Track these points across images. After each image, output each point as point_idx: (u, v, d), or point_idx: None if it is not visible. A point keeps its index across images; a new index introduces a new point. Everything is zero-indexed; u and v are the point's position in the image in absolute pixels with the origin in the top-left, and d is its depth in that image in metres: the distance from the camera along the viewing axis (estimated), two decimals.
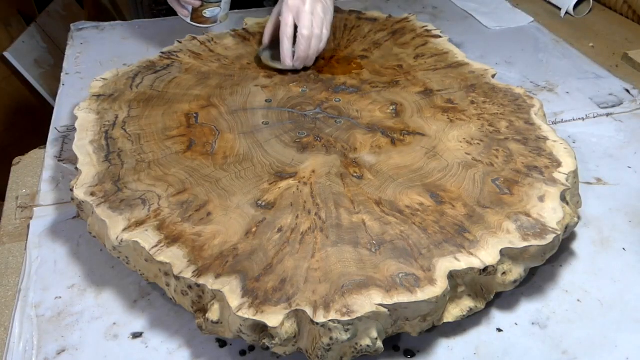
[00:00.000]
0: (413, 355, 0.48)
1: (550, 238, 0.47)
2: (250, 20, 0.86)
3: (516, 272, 0.48)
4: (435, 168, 0.56)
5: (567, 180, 0.53)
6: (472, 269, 0.45)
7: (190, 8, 0.79)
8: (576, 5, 1.03)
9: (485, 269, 0.46)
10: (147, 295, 0.53)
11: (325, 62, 0.75)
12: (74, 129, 0.60)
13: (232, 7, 1.05)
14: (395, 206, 0.51)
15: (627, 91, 0.84)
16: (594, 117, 0.78)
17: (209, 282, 0.43)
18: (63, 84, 0.85)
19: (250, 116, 0.64)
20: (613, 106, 0.80)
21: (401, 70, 0.73)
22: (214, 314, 0.44)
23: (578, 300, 0.52)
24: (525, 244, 0.47)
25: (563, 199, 0.52)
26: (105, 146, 0.58)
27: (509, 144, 0.59)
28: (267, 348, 0.43)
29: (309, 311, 0.41)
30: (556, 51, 0.95)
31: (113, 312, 0.51)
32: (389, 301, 0.42)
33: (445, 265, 0.45)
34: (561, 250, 0.54)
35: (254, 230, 0.49)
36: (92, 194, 0.51)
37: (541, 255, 0.49)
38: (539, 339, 0.49)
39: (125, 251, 0.49)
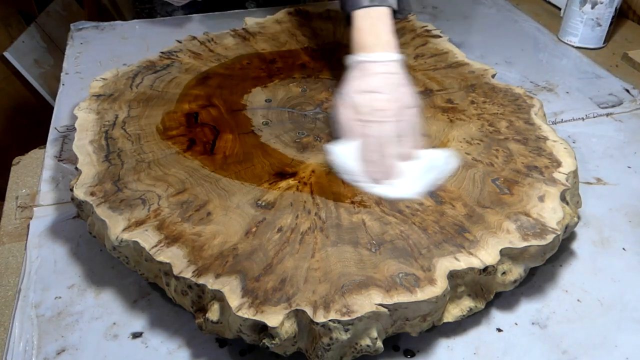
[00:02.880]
0: (413, 355, 0.48)
1: (550, 238, 0.47)
2: (250, 20, 0.86)
3: (516, 272, 0.48)
4: None
5: (567, 180, 0.53)
6: (472, 268, 0.45)
7: None
8: None
9: (485, 269, 0.46)
10: (147, 295, 0.53)
11: (325, 62, 0.75)
12: (74, 129, 0.60)
13: (232, 7, 1.06)
14: (395, 206, 0.51)
15: (627, 91, 0.84)
16: (594, 117, 0.78)
17: (209, 282, 0.43)
18: (63, 84, 0.85)
19: (250, 116, 0.64)
20: (613, 106, 0.81)
21: None
22: (213, 313, 0.44)
23: (578, 300, 0.52)
24: (525, 243, 0.47)
25: (563, 198, 0.52)
26: (105, 146, 0.58)
27: (508, 143, 0.59)
28: (267, 348, 0.43)
29: (308, 311, 0.41)
30: (556, 51, 0.95)
31: (113, 312, 0.51)
32: (388, 301, 0.42)
33: (445, 265, 0.45)
34: (561, 250, 0.54)
35: (253, 230, 0.49)
36: (92, 194, 0.51)
37: (541, 255, 0.49)
38: (538, 339, 0.49)
39: (125, 251, 0.49)
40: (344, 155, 0.54)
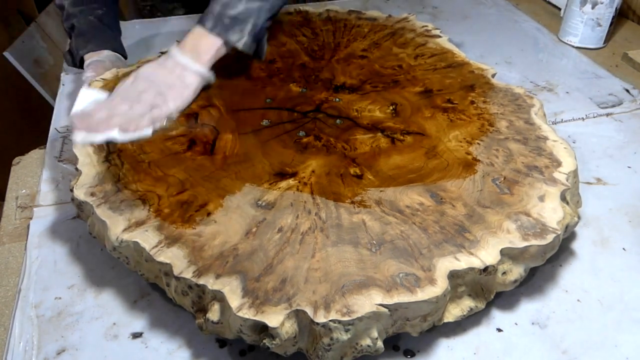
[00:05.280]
0: (413, 355, 0.48)
1: (550, 238, 0.47)
2: None
3: (516, 271, 0.48)
4: (435, 168, 0.56)
5: (567, 180, 0.53)
6: (472, 268, 0.45)
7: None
8: None
9: (485, 269, 0.46)
10: (147, 295, 0.53)
11: (325, 62, 0.75)
12: None
13: None
14: (395, 206, 0.51)
15: (627, 91, 0.84)
16: (594, 117, 0.78)
17: (209, 283, 0.43)
18: (63, 84, 0.85)
19: (250, 116, 0.64)
20: (613, 106, 0.81)
21: (401, 70, 0.73)
22: (214, 314, 0.44)
23: (578, 300, 0.52)
24: (526, 243, 0.47)
25: (563, 198, 0.52)
26: (105, 146, 0.58)
27: (509, 143, 0.59)
28: (268, 348, 0.43)
29: (309, 311, 0.41)
30: (556, 51, 0.95)
31: (113, 312, 0.51)
32: (389, 301, 0.42)
33: (445, 265, 0.45)
34: (561, 250, 0.54)
35: (254, 230, 0.49)
36: (92, 194, 0.51)
37: (541, 255, 0.49)
38: (539, 339, 0.49)
39: (125, 251, 0.49)
40: (88, 96, 0.60)
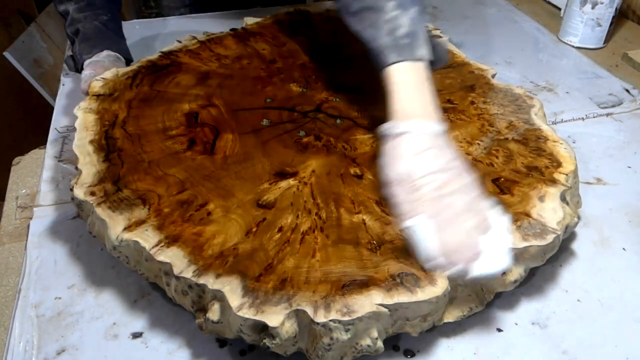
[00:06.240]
0: (413, 355, 0.48)
1: (550, 238, 0.47)
2: (250, 20, 0.86)
3: (516, 272, 0.48)
4: None
5: (567, 180, 0.53)
6: None
7: None
8: None
9: None
10: (147, 295, 0.53)
11: (325, 62, 0.75)
12: (74, 129, 0.60)
13: (232, 7, 1.06)
14: None
15: (627, 91, 0.84)
16: (594, 117, 0.78)
17: (210, 282, 0.43)
18: (63, 84, 0.85)
19: (250, 116, 0.64)
20: (613, 106, 0.81)
21: None
22: (214, 313, 0.44)
23: (578, 300, 0.52)
24: (526, 244, 0.47)
25: (563, 199, 0.52)
26: (105, 146, 0.58)
27: (509, 144, 0.59)
28: (268, 348, 0.43)
29: (309, 311, 0.41)
30: (556, 51, 0.95)
31: (113, 312, 0.51)
32: (389, 301, 0.42)
33: None
34: (561, 250, 0.54)
35: (254, 230, 0.49)
36: (92, 194, 0.51)
37: (541, 255, 0.49)
38: (539, 339, 0.49)
39: (125, 251, 0.49)
40: (423, 234, 0.45)
